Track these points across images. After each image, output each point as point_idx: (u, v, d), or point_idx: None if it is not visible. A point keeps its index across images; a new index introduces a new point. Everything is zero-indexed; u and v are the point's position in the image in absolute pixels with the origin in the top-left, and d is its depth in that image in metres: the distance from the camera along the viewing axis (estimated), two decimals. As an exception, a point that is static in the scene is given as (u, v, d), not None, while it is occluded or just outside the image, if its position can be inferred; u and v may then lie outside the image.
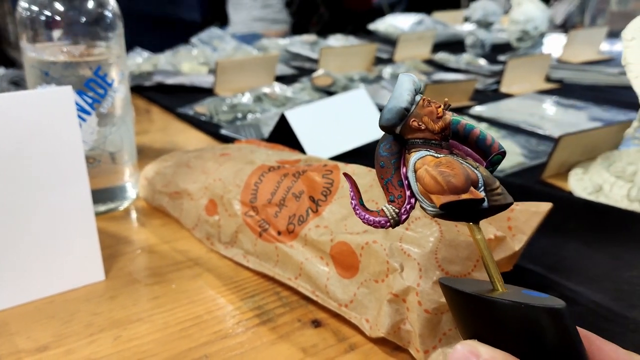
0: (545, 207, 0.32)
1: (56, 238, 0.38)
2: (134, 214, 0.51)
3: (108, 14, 0.47)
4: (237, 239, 0.42)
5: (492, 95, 0.97)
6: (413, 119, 0.26)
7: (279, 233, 0.39)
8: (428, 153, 0.25)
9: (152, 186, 0.51)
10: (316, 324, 0.36)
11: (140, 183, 0.53)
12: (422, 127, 0.26)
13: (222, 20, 2.80)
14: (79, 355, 0.33)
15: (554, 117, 0.82)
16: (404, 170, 0.26)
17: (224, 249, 0.43)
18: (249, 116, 0.81)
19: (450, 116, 0.26)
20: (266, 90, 0.89)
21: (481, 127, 0.28)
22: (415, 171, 0.25)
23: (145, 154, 0.67)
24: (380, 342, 0.34)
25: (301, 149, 0.59)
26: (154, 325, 0.36)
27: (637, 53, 0.37)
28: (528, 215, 0.33)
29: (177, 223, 0.49)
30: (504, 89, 1.00)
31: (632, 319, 0.36)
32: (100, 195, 0.50)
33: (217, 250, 0.44)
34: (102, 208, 0.50)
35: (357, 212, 0.28)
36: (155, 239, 0.47)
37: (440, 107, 0.26)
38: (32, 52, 0.46)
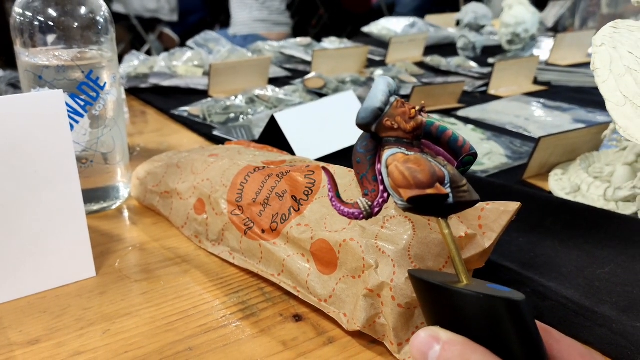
0: (513, 206, 0.34)
1: (48, 236, 0.40)
2: (126, 213, 0.53)
3: (100, 19, 0.49)
4: (224, 237, 0.44)
5: (480, 97, 0.99)
6: (387, 119, 0.27)
7: (263, 231, 0.41)
8: (399, 150, 0.27)
9: (143, 186, 0.53)
10: (297, 318, 0.38)
11: (132, 183, 0.55)
12: (395, 127, 0.27)
13: (223, 21, 2.81)
14: (68, 347, 0.35)
15: (539, 119, 0.84)
16: (379, 166, 0.28)
17: (211, 247, 0.45)
18: (241, 118, 0.82)
19: (424, 118, 0.28)
20: (259, 92, 0.91)
21: (454, 130, 0.30)
22: (387, 167, 0.27)
23: (139, 155, 0.68)
24: (357, 335, 0.36)
25: (290, 150, 0.60)
26: (141, 320, 0.37)
27: (605, 59, 0.39)
28: (498, 214, 0.34)
29: (167, 222, 0.50)
30: (492, 91, 1.02)
31: (601, 314, 0.38)
32: (92, 195, 0.51)
33: (204, 247, 0.46)
34: (95, 207, 0.52)
35: (334, 203, 0.30)
36: (145, 237, 0.48)
37: (413, 108, 0.28)
38: (25, 57, 0.48)
